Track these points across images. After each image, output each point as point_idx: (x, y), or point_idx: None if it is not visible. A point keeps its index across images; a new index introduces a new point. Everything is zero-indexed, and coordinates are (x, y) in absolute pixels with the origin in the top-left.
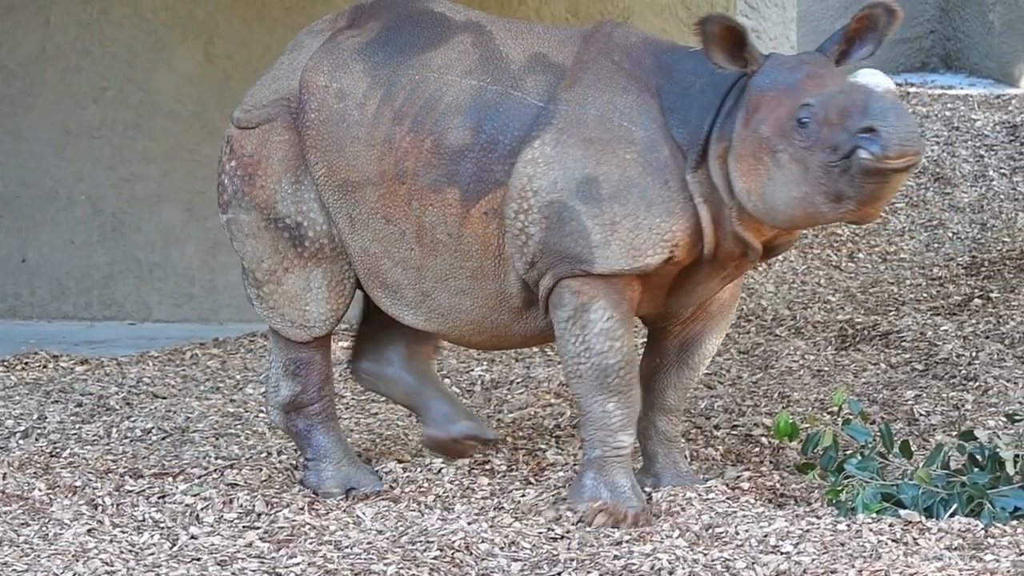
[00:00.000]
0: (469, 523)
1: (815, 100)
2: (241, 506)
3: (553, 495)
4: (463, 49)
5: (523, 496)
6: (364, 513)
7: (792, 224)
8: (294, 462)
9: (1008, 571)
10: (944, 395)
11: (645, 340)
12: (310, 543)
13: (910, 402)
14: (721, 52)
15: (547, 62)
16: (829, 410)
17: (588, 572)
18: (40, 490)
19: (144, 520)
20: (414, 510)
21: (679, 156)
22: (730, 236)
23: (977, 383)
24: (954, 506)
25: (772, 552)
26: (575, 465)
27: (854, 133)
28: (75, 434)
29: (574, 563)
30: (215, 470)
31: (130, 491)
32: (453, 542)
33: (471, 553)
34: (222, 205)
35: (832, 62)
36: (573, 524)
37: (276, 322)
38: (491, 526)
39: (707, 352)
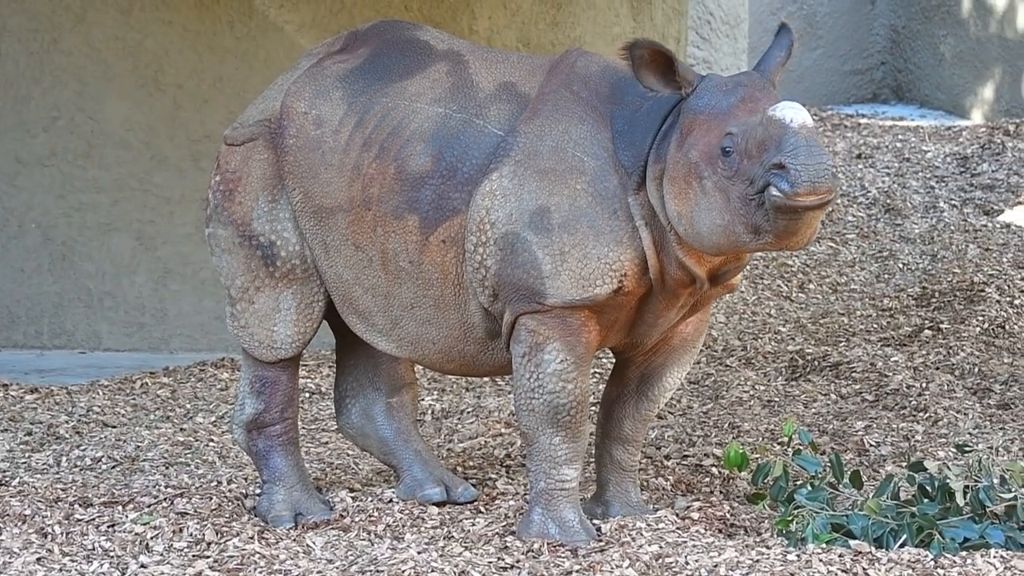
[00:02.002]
0: (419, 552)
1: (737, 130)
2: (191, 535)
3: (503, 525)
4: (437, 78)
5: (473, 525)
6: (314, 542)
7: (717, 251)
8: (244, 491)
9: None
10: (894, 426)
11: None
12: (260, 572)
13: (860, 433)
14: (651, 76)
15: (514, 91)
16: (779, 440)
17: None
18: None
19: (94, 549)
20: (364, 539)
21: (627, 183)
22: (674, 262)
23: (927, 414)
24: (904, 537)
25: None
26: (525, 495)
27: (767, 168)
28: (24, 463)
29: None
30: (165, 499)
31: (80, 520)
32: (403, 571)
33: None
34: (206, 219)
35: (771, 83)
36: (523, 553)
37: (245, 340)
38: (441, 555)
39: (668, 385)
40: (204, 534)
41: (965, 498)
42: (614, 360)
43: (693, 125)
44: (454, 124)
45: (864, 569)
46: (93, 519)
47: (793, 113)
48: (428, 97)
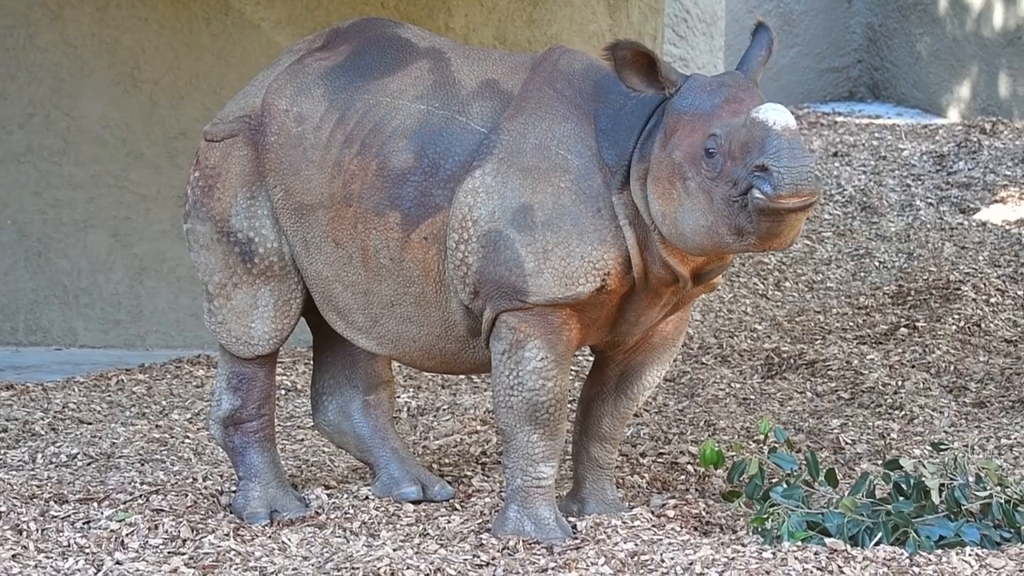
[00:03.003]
0: (395, 549)
1: (721, 131)
2: (166, 532)
3: (478, 522)
4: (419, 75)
5: (448, 523)
6: (289, 539)
7: (701, 251)
8: (220, 488)
9: None
10: (870, 424)
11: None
12: (235, 569)
13: (836, 431)
14: (634, 76)
15: (496, 88)
16: (755, 438)
17: None
18: None
19: (69, 546)
20: (339, 536)
21: (611, 182)
22: (658, 261)
23: (903, 412)
24: (879, 535)
25: None
26: (501, 492)
27: (750, 170)
28: (0, 459)
29: None
30: (140, 496)
31: (55, 516)
32: (378, 569)
33: None
34: (184, 214)
35: (754, 83)
36: (498, 551)
37: (223, 336)
38: (416, 553)
39: (647, 383)
40: (179, 531)
41: (940, 496)
42: (591, 358)
43: (677, 125)
44: (436, 121)
45: (839, 567)
46: (68, 516)
47: (776, 115)
48: (410, 94)
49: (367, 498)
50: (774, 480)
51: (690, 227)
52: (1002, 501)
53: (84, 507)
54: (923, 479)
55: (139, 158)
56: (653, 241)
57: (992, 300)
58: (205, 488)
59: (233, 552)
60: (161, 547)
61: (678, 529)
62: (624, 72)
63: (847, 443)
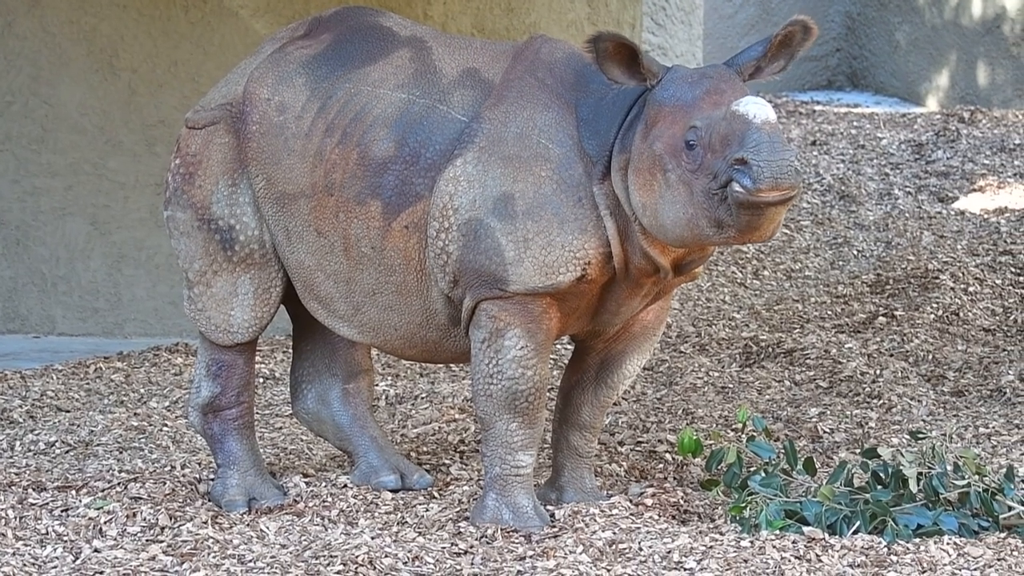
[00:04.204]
0: (373, 538)
1: (701, 123)
2: (144, 520)
3: (457, 511)
4: (400, 63)
5: (427, 511)
6: (268, 527)
7: (681, 243)
8: (198, 476)
9: None
10: (848, 413)
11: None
12: (213, 557)
13: (814, 419)
14: (616, 68)
15: (477, 77)
16: (733, 427)
17: None
18: None
19: (47, 533)
20: (318, 524)
21: (592, 172)
22: (638, 251)
23: (881, 401)
24: (857, 523)
25: (675, 568)
26: (479, 480)
27: (730, 164)
28: None
29: None
30: (119, 483)
31: (33, 504)
32: (357, 557)
33: (374, 568)
34: (164, 201)
35: (739, 76)
36: (477, 539)
37: (202, 324)
38: (395, 541)
39: (627, 372)
40: (158, 519)
41: (918, 485)
42: (571, 347)
43: (658, 117)
44: (417, 110)
45: (817, 555)
46: (47, 503)
47: (756, 108)
48: (391, 83)
49: (345, 486)
50: (752, 469)
51: (670, 219)
52: (980, 490)
53: (62, 495)
54: (901, 468)
55: (117, 146)
56: (634, 232)
57: (970, 289)
58: (183, 476)
59: (211, 540)
60: (139, 535)
61: (656, 517)
62: (606, 64)
63: (825, 432)
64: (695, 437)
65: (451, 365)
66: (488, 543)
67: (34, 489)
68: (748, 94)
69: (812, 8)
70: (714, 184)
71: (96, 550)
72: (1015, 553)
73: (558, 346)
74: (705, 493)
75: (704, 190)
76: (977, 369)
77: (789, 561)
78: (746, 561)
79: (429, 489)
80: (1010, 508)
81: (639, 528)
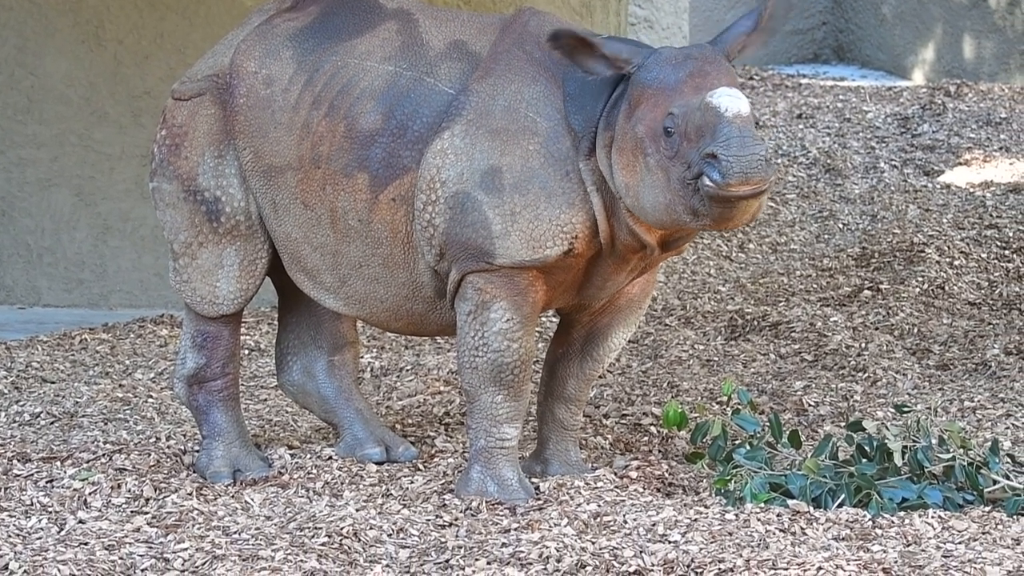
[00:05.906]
0: (357, 510)
1: (679, 111)
2: (129, 491)
3: (441, 483)
4: (387, 36)
5: (411, 483)
6: (252, 499)
7: (661, 226)
8: (183, 447)
9: (895, 562)
10: (833, 386)
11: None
12: (198, 528)
13: (799, 392)
14: (588, 60)
15: (464, 50)
16: (718, 400)
17: (476, 559)
18: None
19: (32, 504)
20: (302, 496)
21: (579, 147)
22: (624, 228)
23: (866, 374)
24: (842, 496)
25: (660, 541)
26: (464, 453)
27: (702, 157)
28: None
29: (462, 550)
30: (103, 455)
31: (18, 475)
32: (341, 528)
33: (359, 540)
34: (150, 173)
35: (724, 56)
36: (461, 511)
37: (187, 295)
38: (379, 513)
39: (613, 345)
40: (142, 490)
41: (903, 458)
42: (556, 320)
43: (641, 98)
44: (404, 82)
45: (802, 528)
46: (31, 475)
47: (729, 101)
48: (378, 55)
49: (330, 458)
50: (737, 442)
51: (650, 202)
52: (965, 464)
53: (47, 466)
54: (886, 441)
55: (103, 117)
56: (619, 209)
57: (956, 263)
58: (168, 447)
59: (196, 511)
60: (124, 506)
61: (641, 490)
62: (576, 59)
63: (810, 405)
64: (680, 410)
65: (437, 338)
66: (473, 515)
67: (19, 460)
68: (730, 79)
69: None
70: (688, 174)
71: (81, 521)
72: (999, 527)
73: (543, 319)
74: (690, 466)
75: (680, 178)
76: (962, 343)
77: (774, 534)
78: (731, 534)
79: (414, 461)
80: (995, 482)
81: (624, 501)
